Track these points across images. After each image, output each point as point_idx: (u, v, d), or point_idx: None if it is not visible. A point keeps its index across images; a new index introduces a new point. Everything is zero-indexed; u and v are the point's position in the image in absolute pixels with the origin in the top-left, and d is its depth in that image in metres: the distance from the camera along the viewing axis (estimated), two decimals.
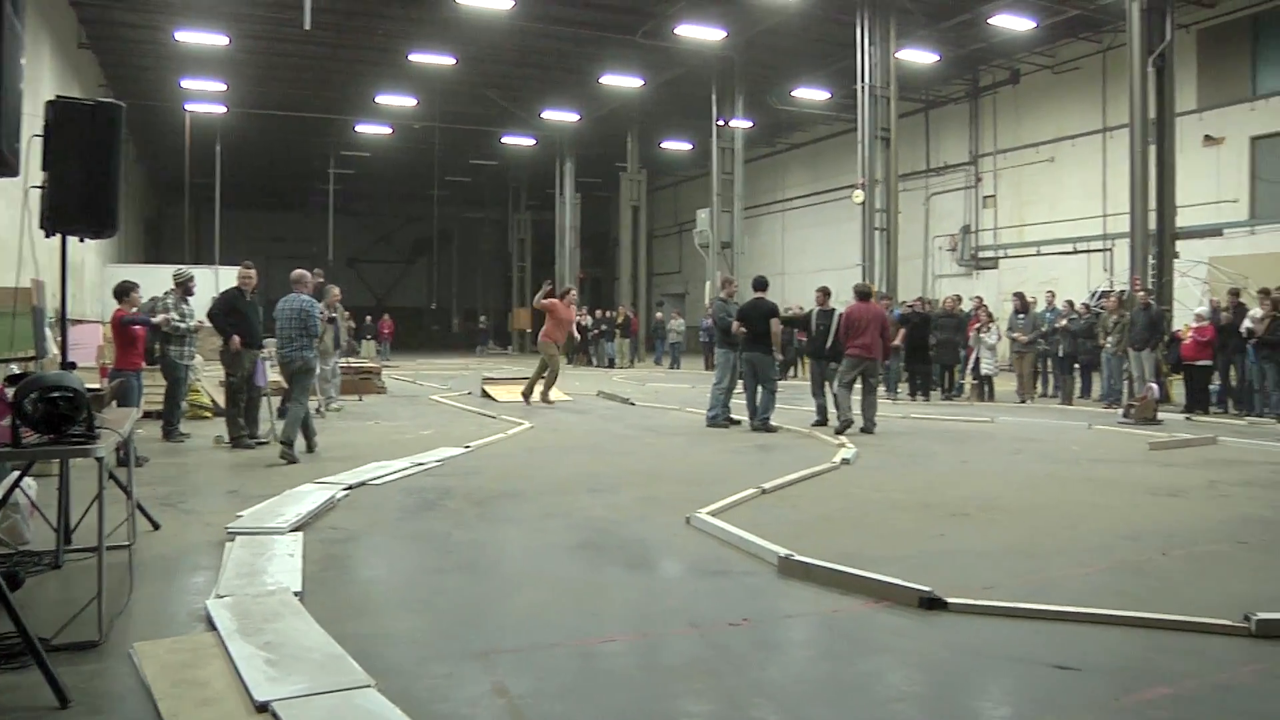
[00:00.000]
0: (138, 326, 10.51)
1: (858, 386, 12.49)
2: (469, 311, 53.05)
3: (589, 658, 4.15)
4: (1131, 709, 3.62)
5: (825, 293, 13.56)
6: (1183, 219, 18.88)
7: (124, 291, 10.61)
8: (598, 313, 33.81)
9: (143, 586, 5.09)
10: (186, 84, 29.04)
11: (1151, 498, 7.88)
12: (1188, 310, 17.42)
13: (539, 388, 15.96)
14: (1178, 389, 16.45)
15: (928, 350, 17.92)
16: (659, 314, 34.99)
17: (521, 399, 15.88)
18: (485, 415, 14.41)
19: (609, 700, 3.71)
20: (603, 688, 3.84)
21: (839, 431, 11.87)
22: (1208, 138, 23.71)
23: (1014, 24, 24.12)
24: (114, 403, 6.14)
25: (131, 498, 5.81)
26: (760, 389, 12.60)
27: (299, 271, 10.77)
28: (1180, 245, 18.36)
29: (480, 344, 43.37)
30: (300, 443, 9.93)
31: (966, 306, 18.99)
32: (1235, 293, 15.81)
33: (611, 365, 30.81)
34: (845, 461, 9.60)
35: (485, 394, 17.54)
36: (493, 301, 54.59)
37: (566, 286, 17.77)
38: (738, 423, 12.91)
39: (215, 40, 24.61)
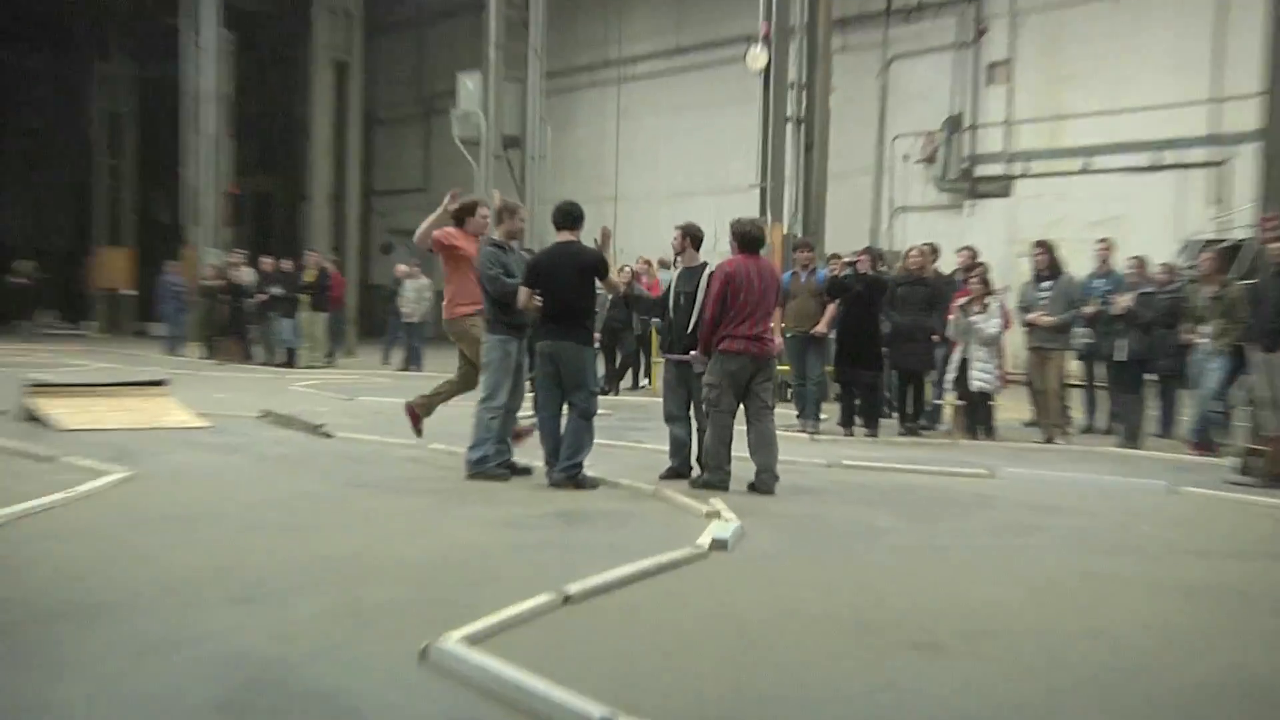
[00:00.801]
0: None
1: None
2: (4, 254, 46.58)
3: None
4: None
5: (690, 237, 12.33)
6: None
7: None
8: (266, 263, 28.92)
9: None
10: None
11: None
12: None
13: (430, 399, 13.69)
14: None
15: (876, 344, 16.51)
16: (400, 267, 29.81)
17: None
18: (32, 457, 12.68)
19: None
20: None
21: (707, 486, 11.09)
22: None
23: None
24: None
25: None
26: (567, 409, 11.46)
27: None
28: None
29: (27, 317, 39.22)
30: None
31: (949, 266, 17.84)
32: None
33: (291, 361, 27.46)
34: (718, 544, 8.71)
35: (32, 416, 15.53)
36: (55, 236, 48.75)
37: (471, 197, 14.11)
38: (525, 471, 11.90)
39: None
